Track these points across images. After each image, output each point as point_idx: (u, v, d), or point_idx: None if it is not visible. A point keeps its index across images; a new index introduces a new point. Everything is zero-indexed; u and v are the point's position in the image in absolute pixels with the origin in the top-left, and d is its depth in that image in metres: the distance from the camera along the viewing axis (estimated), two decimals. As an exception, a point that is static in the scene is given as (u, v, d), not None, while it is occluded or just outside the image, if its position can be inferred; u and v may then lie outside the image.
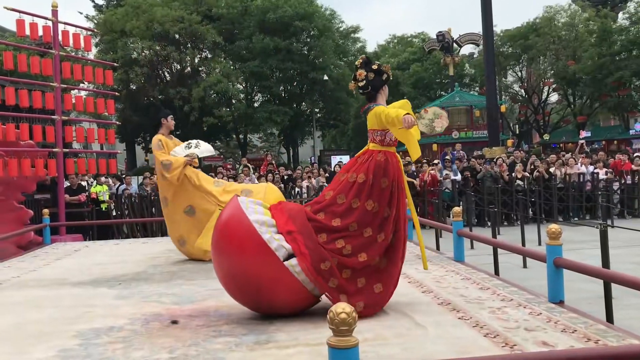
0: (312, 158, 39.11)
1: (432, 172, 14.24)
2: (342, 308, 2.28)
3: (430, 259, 6.40)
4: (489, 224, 13.14)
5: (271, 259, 3.88)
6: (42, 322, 4.33)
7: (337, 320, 2.26)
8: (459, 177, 14.64)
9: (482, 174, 14.35)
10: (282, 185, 14.39)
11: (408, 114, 4.02)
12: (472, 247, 9.90)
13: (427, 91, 37.65)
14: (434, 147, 28.10)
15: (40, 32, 11.07)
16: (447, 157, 16.14)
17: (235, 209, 4.06)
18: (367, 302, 4.06)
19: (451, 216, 6.72)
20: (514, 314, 4.01)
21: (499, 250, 6.91)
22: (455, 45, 33.32)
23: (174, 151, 7.01)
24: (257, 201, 4.31)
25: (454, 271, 5.69)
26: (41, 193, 12.30)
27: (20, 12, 10.82)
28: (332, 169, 15.56)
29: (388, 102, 4.52)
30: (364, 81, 4.40)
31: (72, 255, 8.20)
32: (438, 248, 8.11)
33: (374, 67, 4.41)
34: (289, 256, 3.95)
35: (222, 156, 37.82)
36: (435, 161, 15.96)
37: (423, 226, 12.24)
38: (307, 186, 14.20)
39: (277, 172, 16.11)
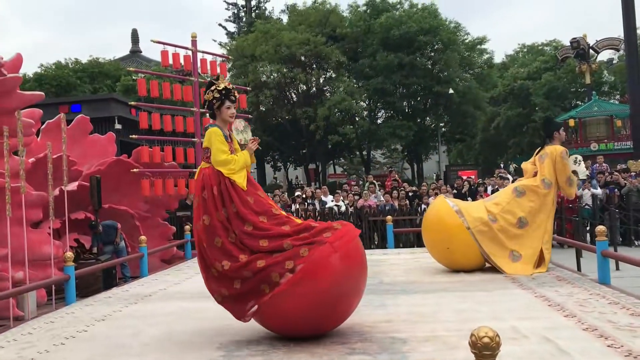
0: (437, 174, 38.47)
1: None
2: (485, 332, 2.21)
3: (571, 281, 6.03)
4: (637, 243, 12.13)
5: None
6: (189, 333, 4.63)
7: (480, 344, 2.19)
8: (599, 191, 13.65)
9: (627, 188, 13.27)
10: (407, 202, 14.28)
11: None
12: (617, 268, 9.16)
13: (561, 101, 35.58)
14: (570, 160, 26.42)
15: (182, 61, 11.98)
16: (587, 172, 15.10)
17: None
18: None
19: (593, 235, 6.27)
20: (673, 345, 3.64)
21: (651, 273, 6.35)
22: (591, 51, 31.25)
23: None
24: None
25: (599, 294, 5.29)
26: (184, 211, 13.19)
27: (164, 44, 11.79)
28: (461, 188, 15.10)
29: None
30: (205, 102, 4.68)
31: (211, 269, 8.68)
32: (579, 269, 7.61)
33: (206, 95, 4.61)
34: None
35: (346, 173, 38.30)
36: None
37: (561, 245, 11.60)
38: (434, 203, 13.93)
39: (402, 188, 16.02)
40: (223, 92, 4.56)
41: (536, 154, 7.16)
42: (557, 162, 6.84)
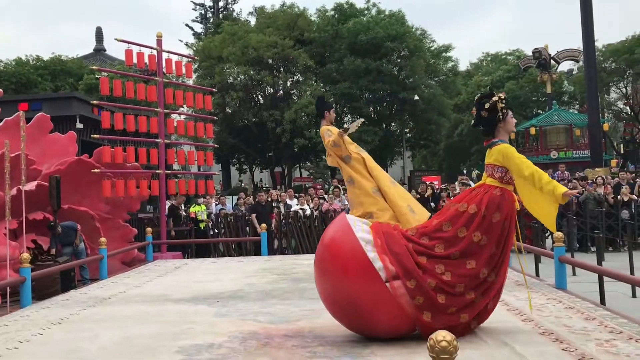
0: (402, 179, 38.79)
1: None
2: (443, 336, 2.24)
3: (529, 286, 6.14)
4: (592, 249, 12.44)
5: (374, 278, 3.89)
6: (148, 336, 4.55)
7: (438, 348, 2.22)
8: (558, 199, 13.99)
9: (584, 196, 13.62)
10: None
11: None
12: (574, 273, 9.38)
13: (523, 110, 36.34)
14: (530, 167, 27.01)
15: (146, 61, 11.82)
16: (547, 178, 15.43)
17: (343, 225, 4.11)
18: (446, 326, 3.93)
19: (550, 240, 6.44)
20: (624, 348, 3.75)
21: (604, 278, 6.51)
22: (552, 62, 32.05)
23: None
24: (364, 220, 4.36)
25: (556, 299, 5.43)
26: (146, 213, 12.98)
27: (129, 42, 11.61)
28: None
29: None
30: (475, 119, 4.46)
31: (172, 272, 8.58)
32: (537, 274, 7.77)
33: (486, 106, 4.35)
34: (392, 278, 3.94)
35: (312, 177, 38.30)
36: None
37: (520, 250, 11.81)
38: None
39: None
40: (505, 101, 4.37)
41: None
42: (322, 137, 6.90)
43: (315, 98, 29.13)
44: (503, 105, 4.35)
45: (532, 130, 29.54)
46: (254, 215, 12.95)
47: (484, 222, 4.11)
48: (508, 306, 5.19)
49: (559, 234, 6.35)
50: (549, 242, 12.76)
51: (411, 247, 4.07)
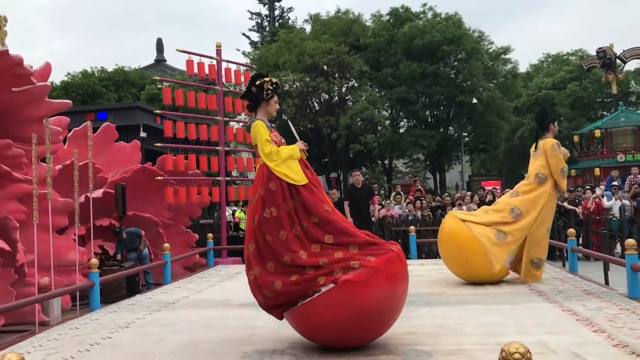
0: (459, 184, 38.12)
1: (596, 199, 13.16)
2: (516, 348, 2.16)
3: (599, 295, 5.91)
4: (666, 256, 11.84)
5: None
6: (212, 341, 4.63)
7: (511, 360, 2.15)
8: (626, 203, 13.38)
9: (656, 200, 13.00)
10: (429, 212, 14.18)
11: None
12: (646, 282, 8.93)
13: (587, 111, 35.06)
14: (597, 171, 25.99)
15: (207, 70, 12.09)
16: (615, 182, 14.77)
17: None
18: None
19: (619, 247, 6.16)
20: None
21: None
22: (618, 61, 30.78)
23: None
24: None
25: (629, 310, 5.17)
26: (207, 219, 13.23)
27: (189, 53, 11.91)
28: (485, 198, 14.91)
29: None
30: (245, 92, 4.76)
31: (233, 277, 8.70)
32: (607, 282, 7.44)
33: (257, 82, 4.61)
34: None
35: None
36: (601, 188, 14.73)
37: (588, 258, 11.37)
38: (458, 213, 13.74)
39: (424, 198, 15.90)
40: (274, 85, 4.67)
41: (534, 151, 7.21)
42: (549, 155, 6.94)
43: (370, 102, 29.13)
44: (271, 87, 4.62)
45: (597, 133, 28.44)
46: (347, 203, 11.23)
47: (267, 196, 4.27)
48: (577, 316, 4.98)
49: (631, 241, 6.07)
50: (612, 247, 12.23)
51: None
